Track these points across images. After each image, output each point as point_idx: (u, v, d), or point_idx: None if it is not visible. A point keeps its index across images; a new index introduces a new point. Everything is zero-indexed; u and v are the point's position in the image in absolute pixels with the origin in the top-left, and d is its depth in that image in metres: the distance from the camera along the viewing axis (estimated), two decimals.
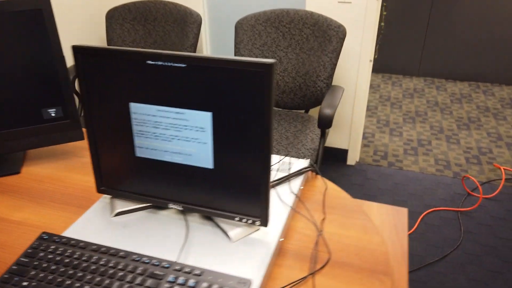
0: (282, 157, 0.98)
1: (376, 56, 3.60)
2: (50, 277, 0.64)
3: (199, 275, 0.64)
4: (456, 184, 2.18)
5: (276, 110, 1.91)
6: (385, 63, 3.61)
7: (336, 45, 1.69)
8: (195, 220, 0.79)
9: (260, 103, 0.64)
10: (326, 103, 1.54)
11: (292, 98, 1.84)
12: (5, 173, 0.99)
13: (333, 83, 2.17)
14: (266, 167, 0.68)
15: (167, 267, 0.65)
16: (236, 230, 0.74)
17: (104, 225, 0.78)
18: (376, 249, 0.77)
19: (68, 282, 0.63)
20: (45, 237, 0.72)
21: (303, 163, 0.96)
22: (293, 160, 0.98)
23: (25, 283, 0.63)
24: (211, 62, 0.64)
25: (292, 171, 0.93)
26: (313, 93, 1.78)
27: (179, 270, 0.65)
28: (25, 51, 0.92)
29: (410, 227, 1.88)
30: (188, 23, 1.87)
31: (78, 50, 0.71)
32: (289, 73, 1.81)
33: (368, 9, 1.91)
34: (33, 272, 0.65)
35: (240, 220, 0.74)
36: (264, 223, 0.73)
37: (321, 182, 0.96)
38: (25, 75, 0.94)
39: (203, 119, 0.69)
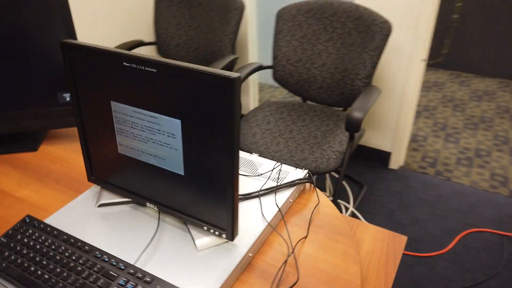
0: (278, 164, 0.94)
1: (445, 51, 3.30)
2: (19, 261, 0.68)
3: (148, 282, 0.64)
4: (510, 205, 1.95)
5: (312, 105, 1.84)
6: (455, 59, 3.30)
7: (379, 42, 1.56)
8: (171, 222, 0.79)
9: (225, 116, 0.61)
10: (357, 105, 1.44)
11: (329, 94, 1.76)
12: (23, 150, 1.06)
13: (378, 82, 2.03)
14: (232, 181, 0.65)
15: (122, 269, 0.66)
16: (204, 239, 0.73)
17: (86, 214, 0.81)
18: (350, 280, 0.71)
19: (32, 268, 0.67)
20: (27, 221, 0.76)
21: (300, 173, 0.92)
22: (290, 169, 0.93)
23: None
24: (178, 70, 0.62)
25: (286, 181, 0.89)
26: (351, 91, 1.68)
27: (132, 274, 0.65)
28: (42, 37, 0.96)
29: (444, 246, 1.73)
30: (231, 9, 1.85)
31: (64, 46, 0.72)
32: (328, 68, 1.72)
33: (424, 3, 1.73)
34: (6, 253, 0.70)
35: (208, 230, 0.73)
36: (230, 236, 0.71)
37: (319, 195, 0.90)
38: (42, 60, 0.99)
39: (173, 126, 0.67)
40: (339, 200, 1.97)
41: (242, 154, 0.99)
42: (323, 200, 0.89)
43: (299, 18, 1.73)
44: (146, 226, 0.78)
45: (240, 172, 0.92)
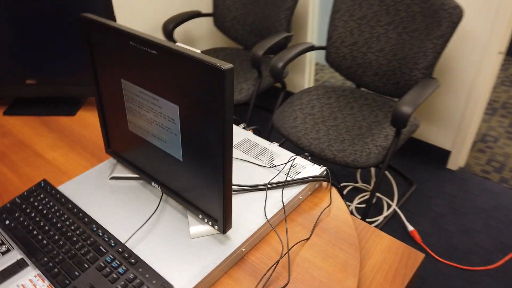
0: (294, 156, 0.89)
1: None
2: (26, 223, 0.73)
3: (132, 264, 0.64)
4: None
5: (364, 92, 1.72)
6: None
7: (445, 30, 1.39)
8: (173, 205, 0.79)
9: (218, 106, 0.58)
10: (407, 99, 1.31)
11: (384, 82, 1.62)
12: (62, 113, 1.12)
13: (443, 73, 1.83)
14: (223, 174, 0.62)
15: (112, 246, 0.67)
16: (198, 227, 0.72)
17: (97, 185, 0.84)
18: None
19: (35, 232, 0.71)
20: (42, 185, 0.81)
21: (316, 170, 0.86)
22: (307, 163, 0.88)
23: (7, 222, 0.73)
24: (175, 55, 0.59)
25: (299, 176, 0.84)
26: (407, 82, 1.53)
27: (119, 253, 0.66)
28: (85, 10, 0.99)
29: (493, 261, 1.57)
30: None
31: (83, 20, 0.73)
32: (385, 54, 1.58)
33: None
34: (17, 214, 0.75)
35: (203, 219, 0.71)
36: (222, 229, 0.69)
37: (333, 195, 0.84)
38: (79, 32, 1.02)
39: (172, 111, 0.66)
40: (382, 196, 1.86)
41: (261, 142, 0.95)
42: (337, 202, 0.83)
43: None
44: (150, 205, 0.79)
45: (254, 161, 0.89)
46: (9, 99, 1.21)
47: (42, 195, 0.78)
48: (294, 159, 0.87)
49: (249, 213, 0.76)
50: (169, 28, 1.92)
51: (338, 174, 2.00)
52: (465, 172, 2.01)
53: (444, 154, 2.03)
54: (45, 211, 0.75)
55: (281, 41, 1.87)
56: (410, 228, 1.66)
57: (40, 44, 1.06)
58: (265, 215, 0.75)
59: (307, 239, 0.75)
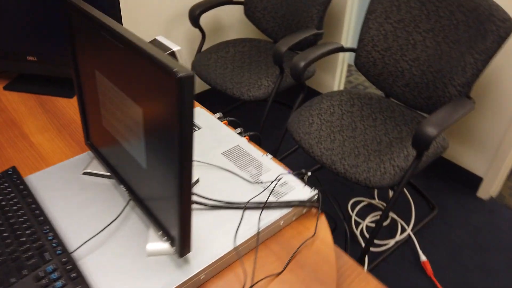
0: (282, 174, 0.79)
1: None
2: None
3: (72, 278, 0.58)
4: None
5: (393, 103, 1.58)
6: None
7: (490, 45, 1.23)
8: (139, 213, 0.72)
9: (176, 116, 0.49)
10: (434, 119, 1.17)
11: (414, 95, 1.48)
12: (59, 95, 1.08)
13: (482, 92, 1.65)
14: (181, 192, 0.54)
15: (58, 254, 0.61)
16: (156, 244, 0.65)
17: (69, 179, 0.78)
18: None
19: None
20: (9, 172, 0.76)
21: (307, 192, 0.76)
22: (297, 184, 0.78)
23: None
24: (137, 51, 0.51)
25: (286, 198, 0.75)
26: (440, 98, 1.38)
27: (63, 263, 0.60)
28: None
29: None
30: None
31: (64, 2, 0.66)
32: (420, 64, 1.43)
33: None
34: None
35: (163, 235, 0.64)
36: (179, 251, 0.61)
37: (321, 225, 0.74)
38: None
39: (137, 113, 0.58)
40: (397, 218, 1.72)
41: (253, 152, 0.86)
42: (323, 233, 0.73)
43: None
44: (115, 209, 0.72)
45: (239, 173, 0.80)
46: (13, 75, 1.19)
47: (6, 184, 0.73)
48: (280, 178, 0.78)
49: (218, 234, 0.68)
50: (195, 13, 1.85)
51: (353, 187, 1.88)
52: (496, 203, 1.83)
53: (475, 180, 1.85)
54: (3, 203, 0.70)
55: (310, 38, 1.75)
56: (423, 258, 1.52)
57: (42, 22, 1.01)
58: (235, 240, 0.67)
59: (279, 274, 0.66)
